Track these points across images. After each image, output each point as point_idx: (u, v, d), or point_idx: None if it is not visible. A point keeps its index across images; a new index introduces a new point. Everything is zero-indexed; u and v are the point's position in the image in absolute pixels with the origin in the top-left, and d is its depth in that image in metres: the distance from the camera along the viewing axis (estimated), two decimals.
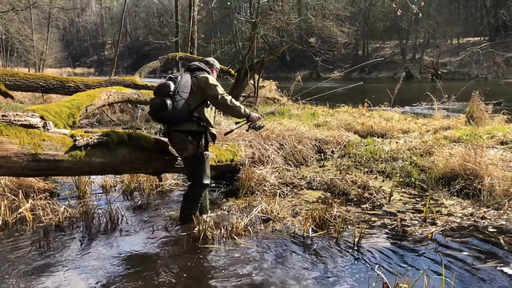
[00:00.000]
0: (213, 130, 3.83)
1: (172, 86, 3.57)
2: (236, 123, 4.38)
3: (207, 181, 3.81)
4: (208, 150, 3.84)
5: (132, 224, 3.90)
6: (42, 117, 3.20)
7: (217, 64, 4.17)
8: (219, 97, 3.65)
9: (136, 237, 3.61)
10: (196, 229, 3.58)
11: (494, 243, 3.37)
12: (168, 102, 3.49)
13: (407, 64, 40.96)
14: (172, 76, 3.71)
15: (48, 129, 3.17)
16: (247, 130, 4.40)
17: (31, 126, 3.05)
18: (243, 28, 36.31)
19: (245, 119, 4.01)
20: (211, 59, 4.16)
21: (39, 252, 3.29)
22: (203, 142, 3.74)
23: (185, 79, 3.68)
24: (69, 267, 3.04)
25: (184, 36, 17.69)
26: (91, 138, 3.35)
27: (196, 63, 3.96)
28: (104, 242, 3.50)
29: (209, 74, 3.84)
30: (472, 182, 4.50)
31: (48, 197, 4.37)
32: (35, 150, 2.95)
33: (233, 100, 3.77)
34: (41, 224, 3.78)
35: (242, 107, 3.87)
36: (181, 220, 3.82)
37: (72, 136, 3.28)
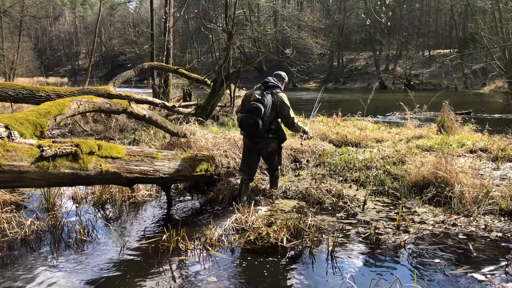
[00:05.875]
0: (285, 136, 4.82)
1: (263, 109, 4.38)
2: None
3: (280, 164, 5.10)
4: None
5: (103, 236, 3.79)
6: (6, 127, 3.09)
7: (287, 78, 5.03)
8: (290, 120, 4.65)
9: (107, 250, 3.51)
10: (168, 240, 3.50)
11: (464, 249, 3.43)
12: (260, 122, 4.37)
13: (380, 75, 41.86)
14: (258, 98, 4.44)
15: (13, 139, 3.06)
16: (301, 144, 5.41)
17: None
18: (220, 37, 36.42)
19: (301, 133, 5.03)
20: (283, 74, 4.98)
21: (3, 268, 3.14)
22: (280, 142, 4.81)
23: (269, 100, 4.48)
24: (35, 284, 2.91)
25: (159, 46, 17.57)
26: (59, 148, 3.25)
27: (272, 80, 4.71)
28: (73, 256, 3.38)
29: (280, 89, 4.72)
30: (443, 190, 4.58)
31: (15, 210, 4.20)
32: None
33: (297, 121, 4.74)
34: (5, 238, 3.62)
35: (301, 125, 4.87)
36: (272, 187, 4.98)
37: (39, 146, 3.17)
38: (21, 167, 3.00)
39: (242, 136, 4.88)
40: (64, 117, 4.51)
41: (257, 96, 4.48)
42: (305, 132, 4.98)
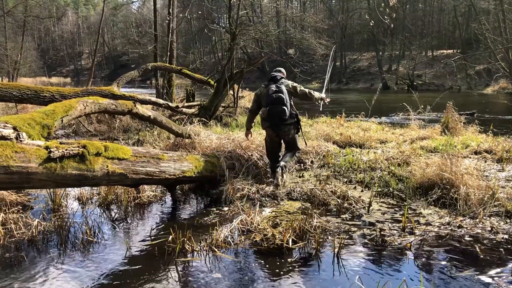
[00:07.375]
0: (299, 117, 5.36)
1: (284, 97, 4.99)
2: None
3: (301, 146, 5.82)
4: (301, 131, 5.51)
5: (108, 237, 3.81)
6: (15, 128, 3.10)
7: (284, 71, 5.62)
8: (308, 93, 5.35)
9: (113, 251, 3.52)
10: (174, 241, 3.51)
11: (470, 251, 3.42)
12: (286, 109, 4.98)
13: (383, 75, 41.73)
14: (277, 90, 5.03)
15: (21, 141, 3.07)
16: (321, 110, 6.05)
17: (2, 138, 2.96)
18: (222, 37, 36.45)
19: (319, 100, 5.57)
20: (282, 69, 5.58)
21: (10, 268, 3.16)
22: (298, 126, 5.34)
23: (284, 89, 5.08)
24: (42, 285, 2.93)
25: (162, 46, 17.60)
26: (66, 149, 3.27)
27: (277, 74, 5.35)
28: (79, 257, 3.39)
29: (286, 79, 5.36)
30: (449, 192, 4.57)
31: (21, 211, 4.23)
32: (6, 162, 2.85)
33: (313, 92, 5.45)
34: (12, 239, 3.64)
35: (317, 93, 5.50)
36: (285, 163, 5.32)
37: (46, 147, 3.19)
38: (29, 168, 3.01)
39: (265, 129, 5.33)
40: (70, 118, 4.53)
41: (274, 88, 5.06)
42: (321, 99, 5.56)
